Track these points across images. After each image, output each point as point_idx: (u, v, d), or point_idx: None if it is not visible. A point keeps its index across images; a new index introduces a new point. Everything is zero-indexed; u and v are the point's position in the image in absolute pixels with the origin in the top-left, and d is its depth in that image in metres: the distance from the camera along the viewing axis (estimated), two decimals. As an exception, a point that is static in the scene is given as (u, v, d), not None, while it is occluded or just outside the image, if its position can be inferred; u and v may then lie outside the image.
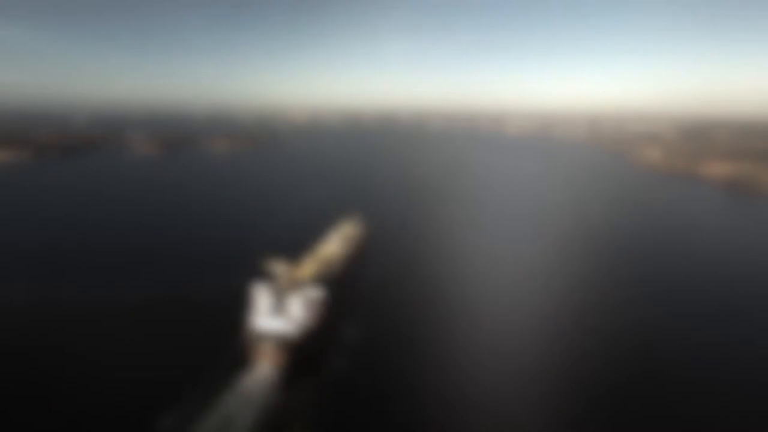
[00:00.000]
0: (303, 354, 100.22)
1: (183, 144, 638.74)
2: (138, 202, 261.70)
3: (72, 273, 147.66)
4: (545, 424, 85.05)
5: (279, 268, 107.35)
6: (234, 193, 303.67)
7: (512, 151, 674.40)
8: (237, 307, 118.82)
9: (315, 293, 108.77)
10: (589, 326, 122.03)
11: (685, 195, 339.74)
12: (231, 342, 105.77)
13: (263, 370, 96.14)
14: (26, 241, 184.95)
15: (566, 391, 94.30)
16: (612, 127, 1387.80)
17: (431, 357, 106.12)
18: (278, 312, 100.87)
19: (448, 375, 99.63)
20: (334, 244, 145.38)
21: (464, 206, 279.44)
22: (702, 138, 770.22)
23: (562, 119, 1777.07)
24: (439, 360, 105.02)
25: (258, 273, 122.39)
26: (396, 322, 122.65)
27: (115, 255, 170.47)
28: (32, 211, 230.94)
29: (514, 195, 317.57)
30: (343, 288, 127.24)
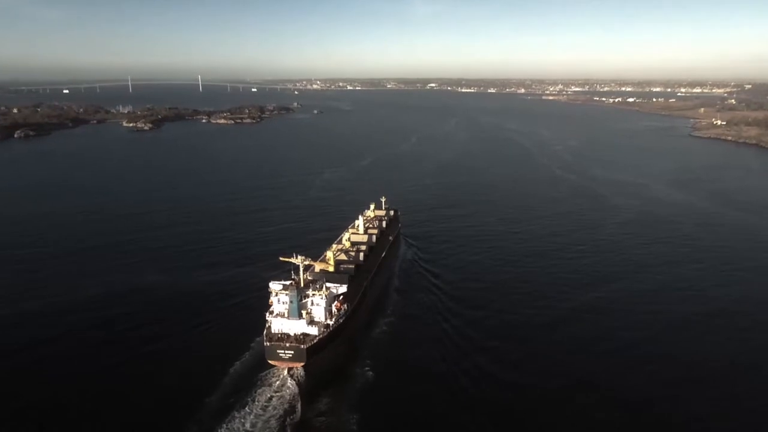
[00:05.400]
0: (325, 357, 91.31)
1: (178, 117, 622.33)
2: (116, 189, 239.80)
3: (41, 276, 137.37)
4: None
5: (297, 262, 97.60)
6: (237, 173, 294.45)
7: (552, 118, 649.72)
8: (251, 306, 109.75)
9: (338, 289, 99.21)
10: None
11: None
12: (246, 347, 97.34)
13: (282, 376, 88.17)
14: None
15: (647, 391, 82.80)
16: (663, 92, 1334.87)
17: (473, 359, 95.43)
18: (298, 312, 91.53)
19: (492, 380, 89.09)
20: (360, 231, 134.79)
21: (511, 181, 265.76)
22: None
23: (608, 83, 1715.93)
24: (483, 362, 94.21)
25: (274, 268, 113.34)
26: (432, 317, 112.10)
27: (115, 245, 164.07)
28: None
29: (562, 174, 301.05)
30: (371, 281, 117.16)
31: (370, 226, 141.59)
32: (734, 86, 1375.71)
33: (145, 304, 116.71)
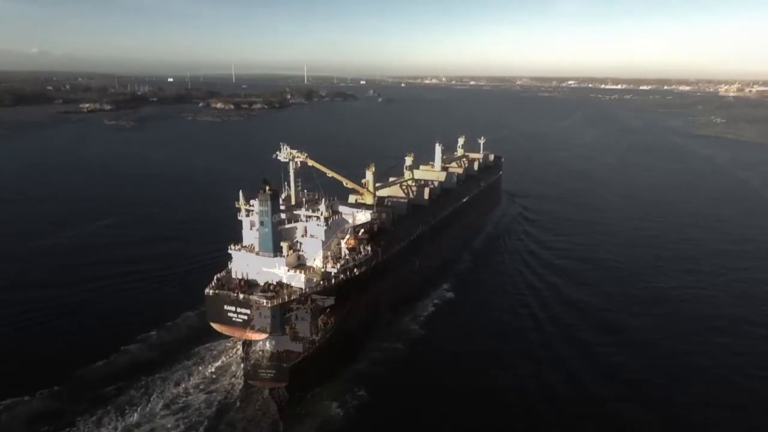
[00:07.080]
0: (310, 376, 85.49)
1: (160, 114, 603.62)
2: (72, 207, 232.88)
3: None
4: None
5: (280, 272, 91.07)
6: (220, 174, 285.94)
7: (551, 117, 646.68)
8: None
9: (326, 301, 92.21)
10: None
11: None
12: (228, 365, 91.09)
13: (263, 398, 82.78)
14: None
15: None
16: (660, 90, 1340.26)
17: (474, 375, 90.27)
18: (280, 327, 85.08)
19: (494, 397, 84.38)
20: (349, 237, 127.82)
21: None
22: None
23: (604, 80, 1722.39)
24: (485, 377, 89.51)
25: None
26: (430, 329, 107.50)
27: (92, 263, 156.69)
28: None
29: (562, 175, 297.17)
30: (361, 292, 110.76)
31: (362, 230, 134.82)
32: (733, 83, 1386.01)
33: (118, 313, 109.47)
